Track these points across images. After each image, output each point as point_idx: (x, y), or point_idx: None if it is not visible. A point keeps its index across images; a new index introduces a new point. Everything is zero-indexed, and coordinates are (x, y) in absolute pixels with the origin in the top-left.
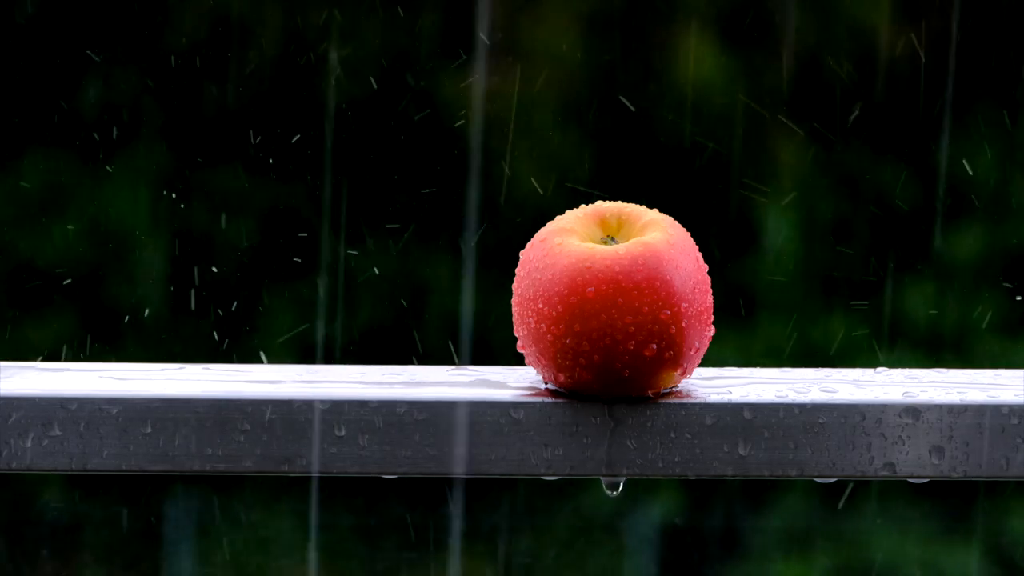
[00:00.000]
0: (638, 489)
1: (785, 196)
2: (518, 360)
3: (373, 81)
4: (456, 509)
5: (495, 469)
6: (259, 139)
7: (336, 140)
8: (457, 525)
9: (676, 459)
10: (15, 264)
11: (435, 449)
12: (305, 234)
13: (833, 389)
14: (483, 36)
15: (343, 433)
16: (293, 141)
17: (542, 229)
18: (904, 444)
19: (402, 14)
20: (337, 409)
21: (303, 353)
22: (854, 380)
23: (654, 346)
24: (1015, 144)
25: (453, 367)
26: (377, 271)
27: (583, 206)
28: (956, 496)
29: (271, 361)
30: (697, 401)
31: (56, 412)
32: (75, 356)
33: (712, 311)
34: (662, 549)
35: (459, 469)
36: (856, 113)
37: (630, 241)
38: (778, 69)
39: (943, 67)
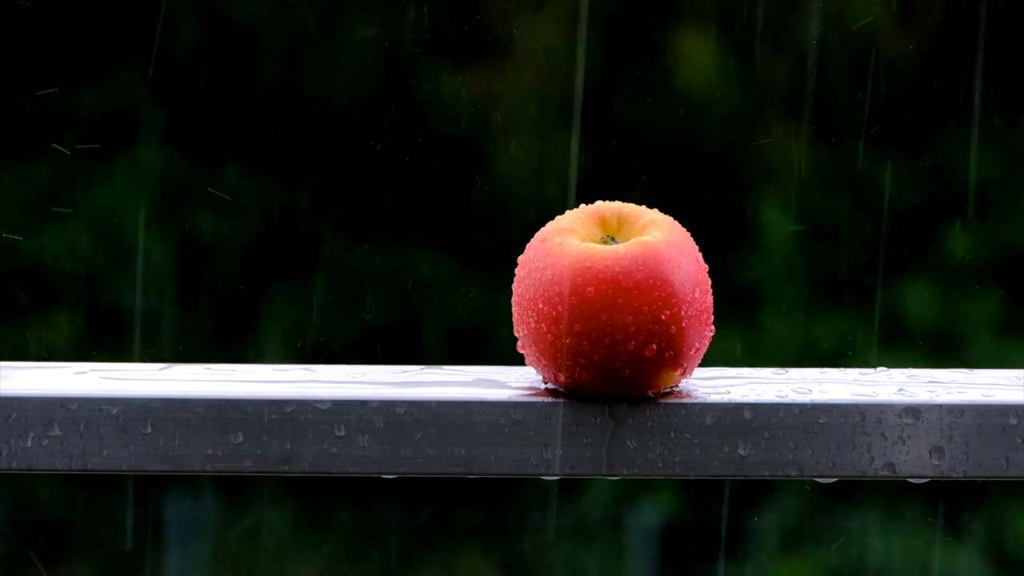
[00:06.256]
0: (638, 489)
1: (785, 195)
2: (518, 360)
3: (372, 80)
4: (456, 509)
5: (495, 469)
6: (259, 139)
7: (335, 140)
8: (457, 525)
9: (676, 459)
10: (16, 264)
11: (435, 449)
12: (305, 234)
13: (833, 389)
14: (483, 35)
15: (343, 433)
16: (293, 141)
17: (542, 229)
18: (904, 444)
19: (402, 13)
20: (337, 409)
21: (303, 353)
22: (854, 380)
23: (654, 346)
24: (1016, 144)
25: (453, 367)
26: (377, 271)
27: (583, 206)
28: (956, 496)
29: (271, 361)
30: (697, 401)
31: (56, 412)
32: (75, 356)
33: (712, 311)
34: (662, 549)
35: (459, 469)
36: (857, 112)
37: (630, 241)
38: (778, 68)
39: (944, 66)
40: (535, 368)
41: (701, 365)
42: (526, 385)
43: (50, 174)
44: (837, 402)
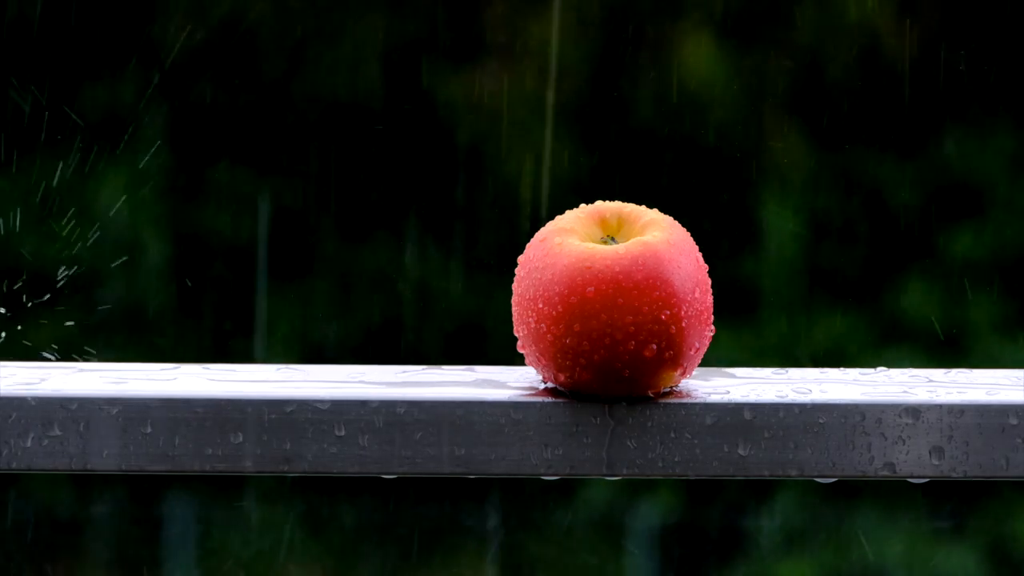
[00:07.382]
0: (638, 489)
1: (785, 195)
2: (518, 360)
3: (373, 81)
4: (456, 509)
5: (495, 469)
6: (259, 139)
7: (336, 139)
8: (457, 525)
9: (676, 459)
10: (16, 264)
11: (435, 449)
12: (305, 234)
13: (833, 389)
14: (483, 36)
15: (343, 433)
16: (293, 140)
17: (542, 229)
18: (904, 444)
19: (403, 14)
20: (337, 409)
21: (303, 353)
22: (854, 380)
23: (654, 346)
24: (1016, 144)
25: (453, 367)
26: (376, 271)
27: (583, 206)
28: (956, 496)
29: (271, 361)
30: (697, 401)
31: (56, 412)
32: (75, 356)
33: (712, 311)
34: (662, 549)
35: (459, 469)
36: (857, 112)
37: (630, 241)
38: (779, 67)
39: (944, 66)
40: (535, 368)
41: (701, 365)
42: (526, 385)
43: (50, 174)
44: (837, 402)
